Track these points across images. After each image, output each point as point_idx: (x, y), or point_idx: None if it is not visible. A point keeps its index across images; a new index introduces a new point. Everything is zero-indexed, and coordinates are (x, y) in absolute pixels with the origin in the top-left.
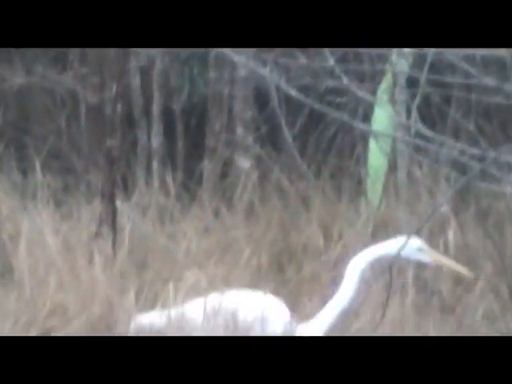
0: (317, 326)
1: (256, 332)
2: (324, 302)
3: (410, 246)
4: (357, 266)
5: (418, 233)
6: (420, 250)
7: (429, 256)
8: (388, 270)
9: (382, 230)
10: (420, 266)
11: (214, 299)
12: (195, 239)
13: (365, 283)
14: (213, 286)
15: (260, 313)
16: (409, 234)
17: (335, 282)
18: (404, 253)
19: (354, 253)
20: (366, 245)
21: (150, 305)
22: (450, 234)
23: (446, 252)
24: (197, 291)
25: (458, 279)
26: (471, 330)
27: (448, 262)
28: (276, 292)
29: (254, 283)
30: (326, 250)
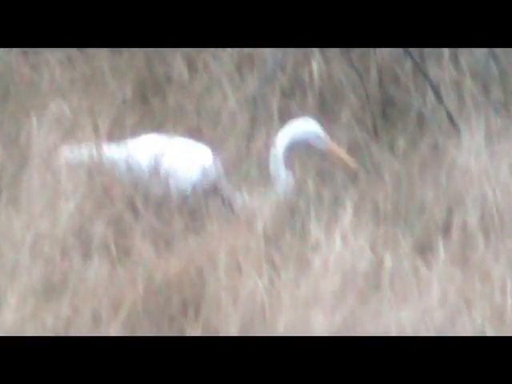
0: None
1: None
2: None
3: (313, 132)
4: (276, 157)
5: (282, 63)
6: (319, 136)
7: (325, 143)
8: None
9: (247, 63)
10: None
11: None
12: (59, 69)
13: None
14: (77, 117)
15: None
16: (273, 66)
17: (200, 113)
18: (307, 137)
19: (219, 84)
20: (230, 77)
21: (13, 137)
22: (314, 65)
23: (310, 82)
24: (61, 123)
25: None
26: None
27: (339, 151)
28: (142, 123)
29: (120, 115)
30: (190, 81)
